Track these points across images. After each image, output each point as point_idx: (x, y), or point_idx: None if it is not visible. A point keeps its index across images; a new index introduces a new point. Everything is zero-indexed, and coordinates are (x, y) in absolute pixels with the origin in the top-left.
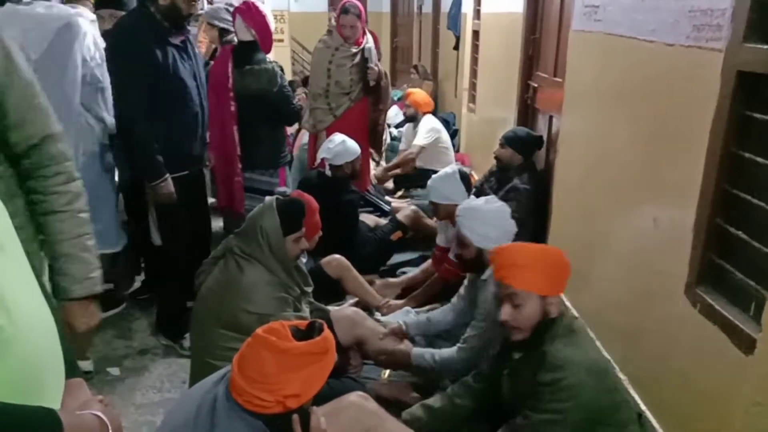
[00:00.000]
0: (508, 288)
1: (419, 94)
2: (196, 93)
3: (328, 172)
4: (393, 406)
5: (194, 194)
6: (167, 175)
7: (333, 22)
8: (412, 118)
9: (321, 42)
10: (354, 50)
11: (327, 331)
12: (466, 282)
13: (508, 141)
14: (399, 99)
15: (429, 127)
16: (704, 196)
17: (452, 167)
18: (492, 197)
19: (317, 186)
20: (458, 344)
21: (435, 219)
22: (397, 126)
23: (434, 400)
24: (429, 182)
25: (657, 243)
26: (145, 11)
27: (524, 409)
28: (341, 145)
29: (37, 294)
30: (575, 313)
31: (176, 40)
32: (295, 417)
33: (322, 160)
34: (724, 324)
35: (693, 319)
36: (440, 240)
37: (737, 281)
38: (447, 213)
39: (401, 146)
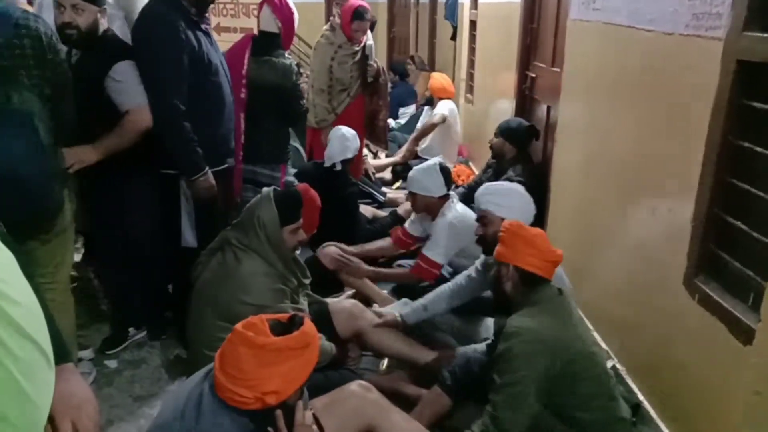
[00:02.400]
0: None
1: (441, 80)
2: (227, 82)
3: (338, 167)
4: (391, 397)
5: (227, 189)
6: (207, 168)
7: (337, 19)
8: (430, 101)
9: (323, 38)
10: (356, 48)
11: (307, 325)
12: (478, 266)
13: (501, 131)
14: None
15: (450, 107)
16: (703, 186)
17: (435, 160)
18: (507, 182)
19: (318, 178)
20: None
21: (413, 211)
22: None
23: None
24: (410, 173)
25: (656, 233)
26: None
27: (490, 391)
28: (355, 141)
29: (24, 280)
30: (557, 289)
31: (203, 27)
32: (279, 413)
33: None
34: (722, 314)
35: (692, 310)
36: (412, 228)
37: (736, 271)
38: (424, 205)
39: (418, 125)
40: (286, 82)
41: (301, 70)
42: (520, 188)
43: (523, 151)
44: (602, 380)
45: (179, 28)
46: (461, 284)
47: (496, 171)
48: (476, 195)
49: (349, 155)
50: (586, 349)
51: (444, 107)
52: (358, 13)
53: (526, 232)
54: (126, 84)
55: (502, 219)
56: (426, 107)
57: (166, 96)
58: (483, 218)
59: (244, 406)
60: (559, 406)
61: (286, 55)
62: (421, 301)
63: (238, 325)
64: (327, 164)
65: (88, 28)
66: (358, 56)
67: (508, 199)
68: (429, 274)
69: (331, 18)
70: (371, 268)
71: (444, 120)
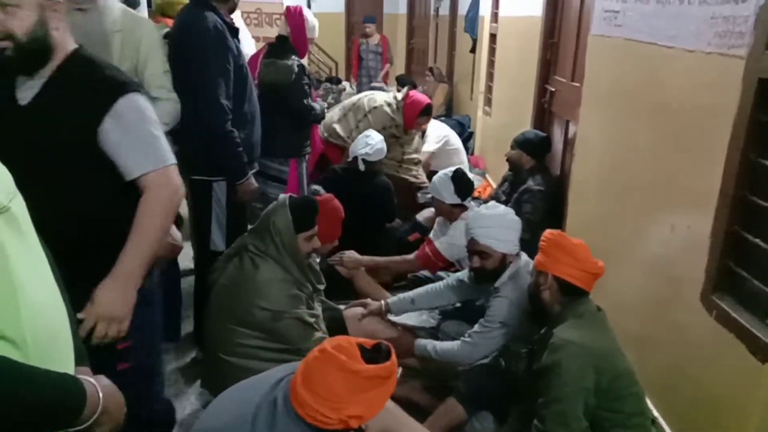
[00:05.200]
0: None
1: None
2: (255, 89)
3: (361, 167)
4: (404, 406)
5: None
6: (249, 172)
7: (401, 100)
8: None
9: (388, 106)
10: (405, 136)
11: (394, 355)
12: (466, 279)
13: (517, 143)
14: None
15: (436, 133)
16: (722, 203)
17: (452, 168)
18: (492, 203)
19: (349, 178)
20: (462, 338)
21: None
22: None
23: None
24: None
25: (673, 249)
26: (206, 3)
27: (536, 407)
28: (380, 144)
29: (51, 283)
30: (596, 305)
31: (235, 33)
32: None
33: (354, 157)
34: (739, 331)
35: (709, 326)
36: (437, 238)
37: (754, 289)
38: (438, 209)
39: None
40: (285, 80)
41: (307, 72)
42: (511, 214)
43: (540, 162)
44: (641, 398)
45: (225, 34)
46: (451, 285)
47: (513, 183)
48: (469, 224)
49: (369, 151)
50: (629, 366)
51: (434, 130)
52: (428, 111)
53: (567, 242)
54: (138, 134)
55: (504, 255)
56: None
57: (217, 100)
58: (482, 252)
59: (324, 425)
60: (599, 421)
61: (295, 58)
62: (409, 293)
63: (328, 346)
64: (350, 158)
65: (31, 37)
66: (402, 142)
67: (506, 232)
68: (432, 264)
69: (396, 100)
70: (368, 257)
71: (432, 155)
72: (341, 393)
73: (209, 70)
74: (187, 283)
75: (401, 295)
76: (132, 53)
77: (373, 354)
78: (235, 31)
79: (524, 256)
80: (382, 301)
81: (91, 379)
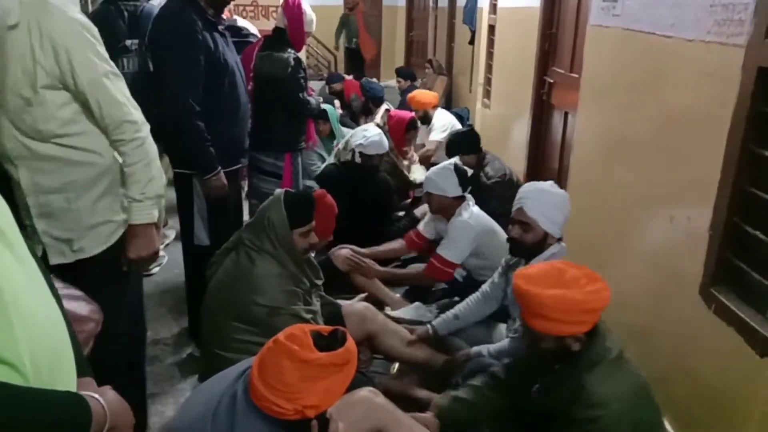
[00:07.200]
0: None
1: (420, 95)
2: (242, 83)
3: (357, 159)
4: (402, 401)
5: (238, 187)
6: (219, 167)
7: (384, 125)
8: (425, 120)
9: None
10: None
11: (350, 341)
12: (501, 267)
13: (455, 151)
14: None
15: (443, 122)
16: (722, 194)
17: (451, 161)
18: (552, 182)
19: (345, 175)
20: (510, 335)
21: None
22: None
23: (464, 392)
24: (427, 173)
25: (673, 242)
26: None
27: None
28: (378, 137)
29: (46, 294)
30: (614, 338)
31: (221, 28)
32: (314, 423)
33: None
34: (739, 325)
35: (708, 320)
36: (426, 230)
37: (754, 282)
38: (438, 206)
39: (418, 142)
40: (282, 73)
41: (303, 66)
42: (567, 199)
43: (480, 154)
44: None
45: (196, 29)
46: (487, 291)
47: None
48: (522, 194)
49: (364, 143)
50: (657, 406)
51: (440, 119)
52: (413, 124)
53: (582, 303)
54: None
55: (546, 234)
56: (422, 126)
57: (180, 95)
58: (526, 224)
59: (281, 416)
60: None
61: (291, 51)
62: (452, 311)
63: (281, 336)
64: (347, 150)
65: None
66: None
67: (557, 213)
68: (443, 274)
69: (378, 124)
70: (383, 268)
71: (439, 144)
72: (294, 383)
73: (171, 64)
74: (181, 278)
75: (444, 315)
76: (48, 56)
77: (328, 341)
78: (213, 25)
79: (563, 245)
80: (428, 326)
81: (96, 395)
